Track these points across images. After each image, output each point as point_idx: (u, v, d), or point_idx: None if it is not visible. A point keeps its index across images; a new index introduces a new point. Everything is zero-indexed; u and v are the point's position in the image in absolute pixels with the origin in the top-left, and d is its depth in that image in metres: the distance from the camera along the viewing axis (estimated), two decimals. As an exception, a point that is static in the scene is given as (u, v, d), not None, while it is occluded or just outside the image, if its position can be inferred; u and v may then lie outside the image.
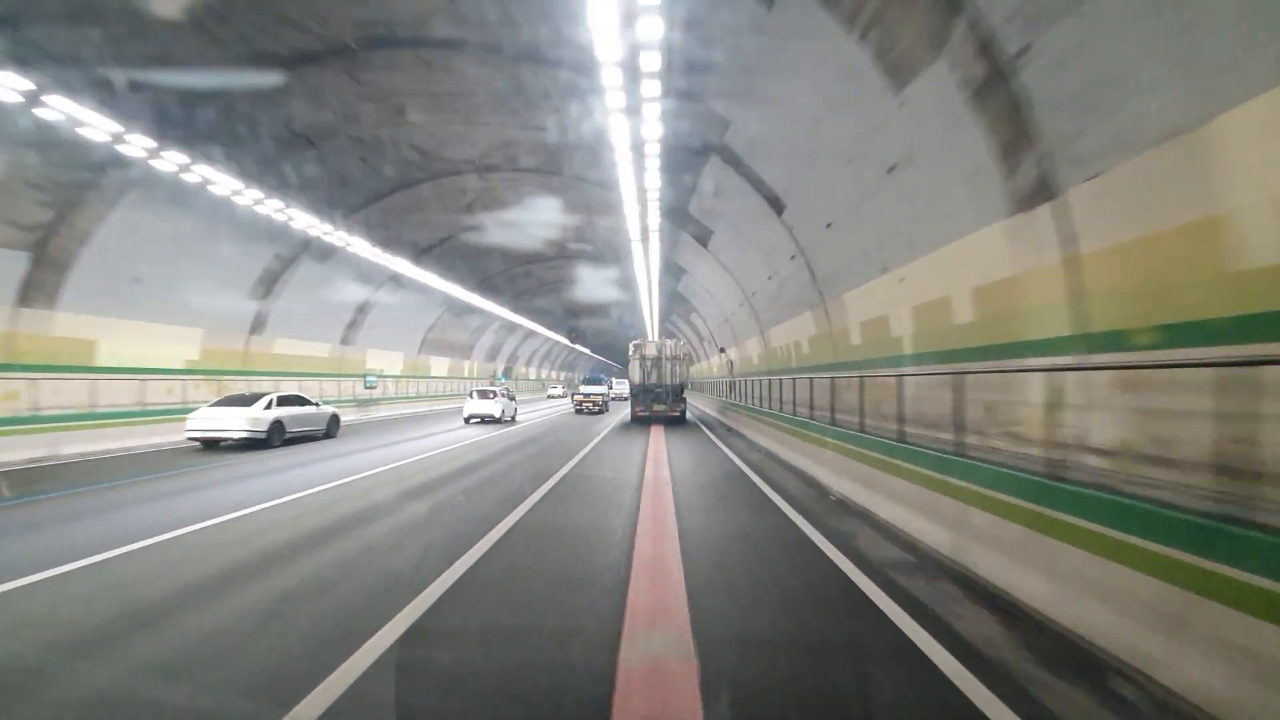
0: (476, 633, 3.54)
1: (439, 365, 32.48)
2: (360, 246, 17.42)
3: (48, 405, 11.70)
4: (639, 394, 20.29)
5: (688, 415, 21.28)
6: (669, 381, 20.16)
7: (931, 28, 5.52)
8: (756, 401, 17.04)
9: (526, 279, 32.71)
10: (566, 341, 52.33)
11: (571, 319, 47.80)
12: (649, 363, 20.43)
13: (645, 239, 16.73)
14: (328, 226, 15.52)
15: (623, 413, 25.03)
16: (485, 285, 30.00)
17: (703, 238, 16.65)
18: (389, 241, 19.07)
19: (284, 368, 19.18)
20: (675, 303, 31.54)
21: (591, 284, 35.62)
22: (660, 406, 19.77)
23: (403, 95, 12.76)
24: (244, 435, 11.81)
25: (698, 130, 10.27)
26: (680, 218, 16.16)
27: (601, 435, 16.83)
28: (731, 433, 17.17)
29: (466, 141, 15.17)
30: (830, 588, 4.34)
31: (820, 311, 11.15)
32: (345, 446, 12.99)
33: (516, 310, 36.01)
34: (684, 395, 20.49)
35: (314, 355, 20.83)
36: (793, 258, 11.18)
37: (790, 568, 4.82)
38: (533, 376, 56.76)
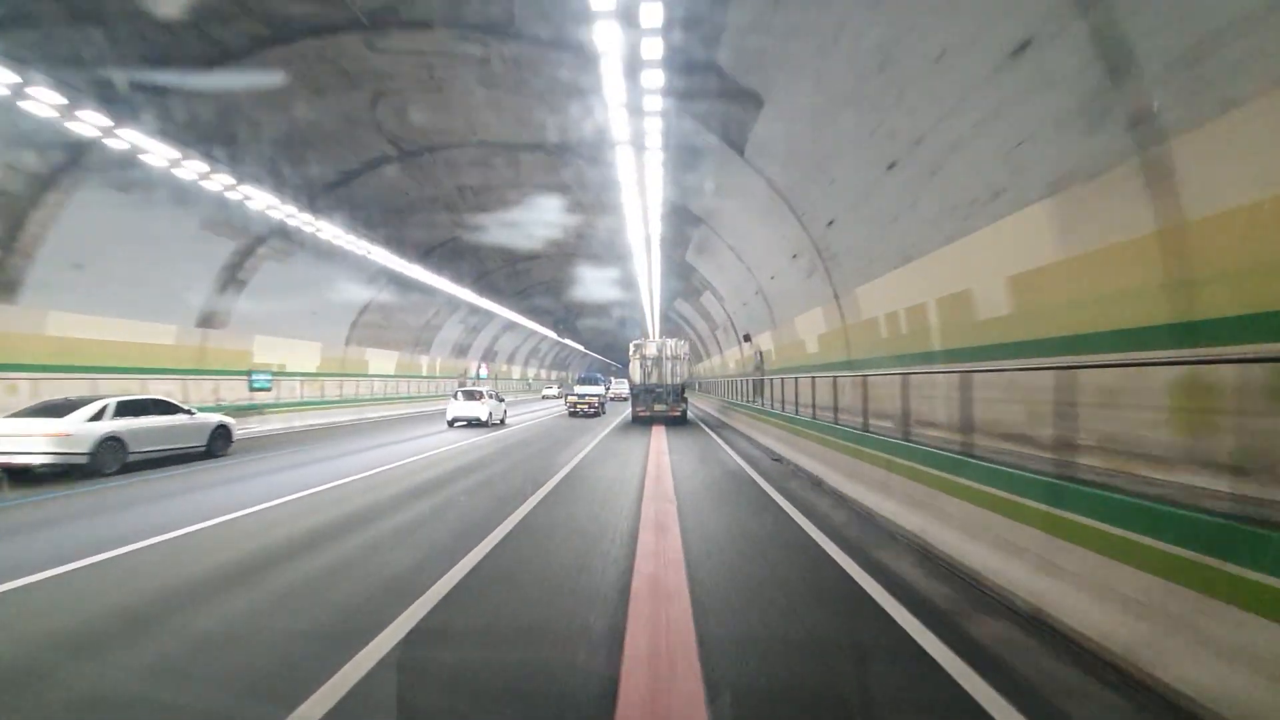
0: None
1: (381, 361, 25.51)
2: (163, 154, 10.46)
3: None
4: (640, 394, 19.70)
5: (689, 415, 21.08)
6: (670, 381, 19.66)
7: None
8: (792, 409, 10.21)
9: (497, 256, 25.77)
10: (554, 335, 45.40)
11: (560, 308, 40.85)
12: (650, 362, 19.82)
13: (639, 135, 9.80)
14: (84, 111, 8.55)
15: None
16: (448, 262, 23.09)
17: (739, 129, 9.67)
18: (249, 162, 12.16)
19: (79, 359, 12.25)
20: (682, 280, 24.54)
21: (584, 271, 28.78)
22: (661, 406, 19.23)
23: None
24: (51, 459, 8.41)
25: None
26: (702, 88, 9.20)
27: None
28: (792, 474, 10.24)
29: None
30: None
31: (1122, 172, 4.22)
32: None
33: (487, 295, 29.10)
34: (685, 395, 20.01)
35: (145, 342, 13.89)
36: (1022, 49, 4.13)
37: None
38: (516, 376, 49.84)
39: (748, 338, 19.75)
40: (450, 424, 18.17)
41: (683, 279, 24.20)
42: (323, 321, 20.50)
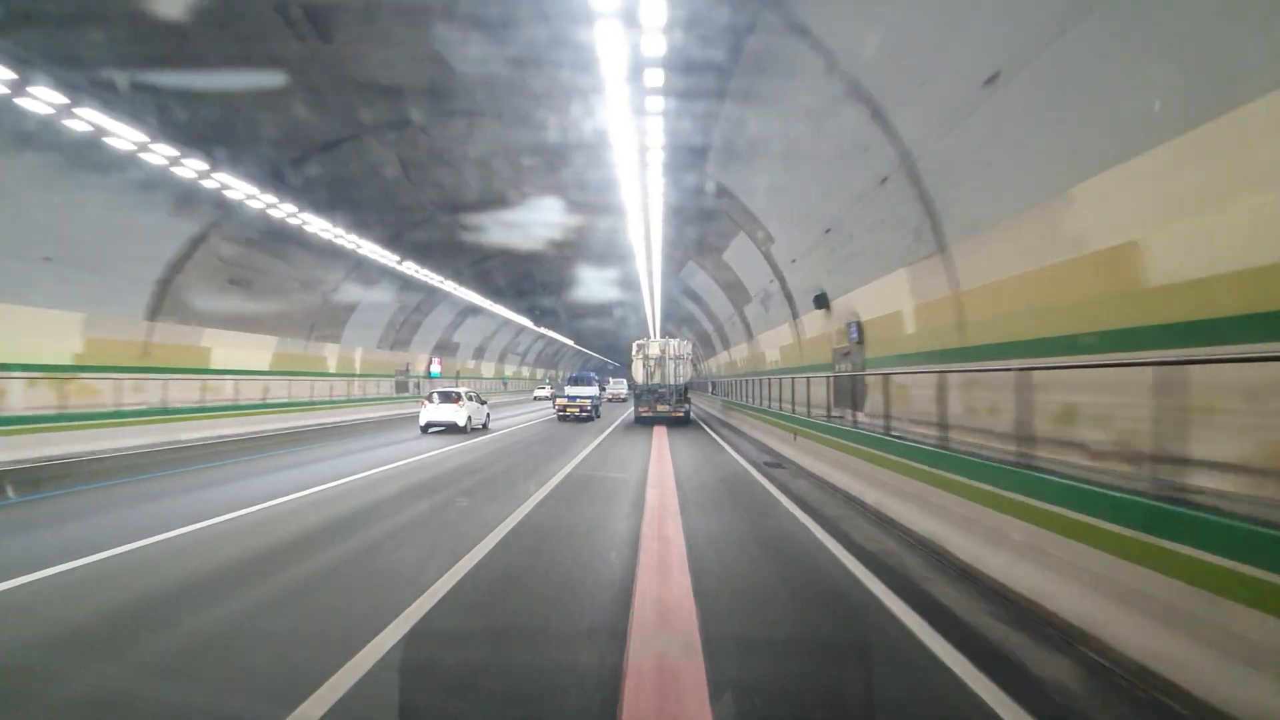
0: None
1: (238, 349, 16.83)
2: None
3: None
4: (642, 394, 19.55)
5: (691, 414, 20.13)
6: (673, 382, 19.37)
7: None
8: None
9: (437, 203, 17.07)
10: (530, 324, 36.75)
11: (534, 294, 32.11)
12: (652, 362, 19.63)
13: None
14: None
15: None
16: (340, 197, 14.48)
17: None
18: None
19: None
20: (695, 220, 15.84)
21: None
22: (664, 407, 18.86)
23: None
24: None
25: None
26: None
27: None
28: None
29: None
30: None
31: None
32: None
33: (429, 264, 20.48)
34: (688, 396, 19.65)
35: None
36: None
37: None
38: (489, 374, 41.22)
39: (823, 302, 11.01)
40: (424, 430, 16.36)
41: (697, 220, 15.48)
42: (80, 276, 11.81)
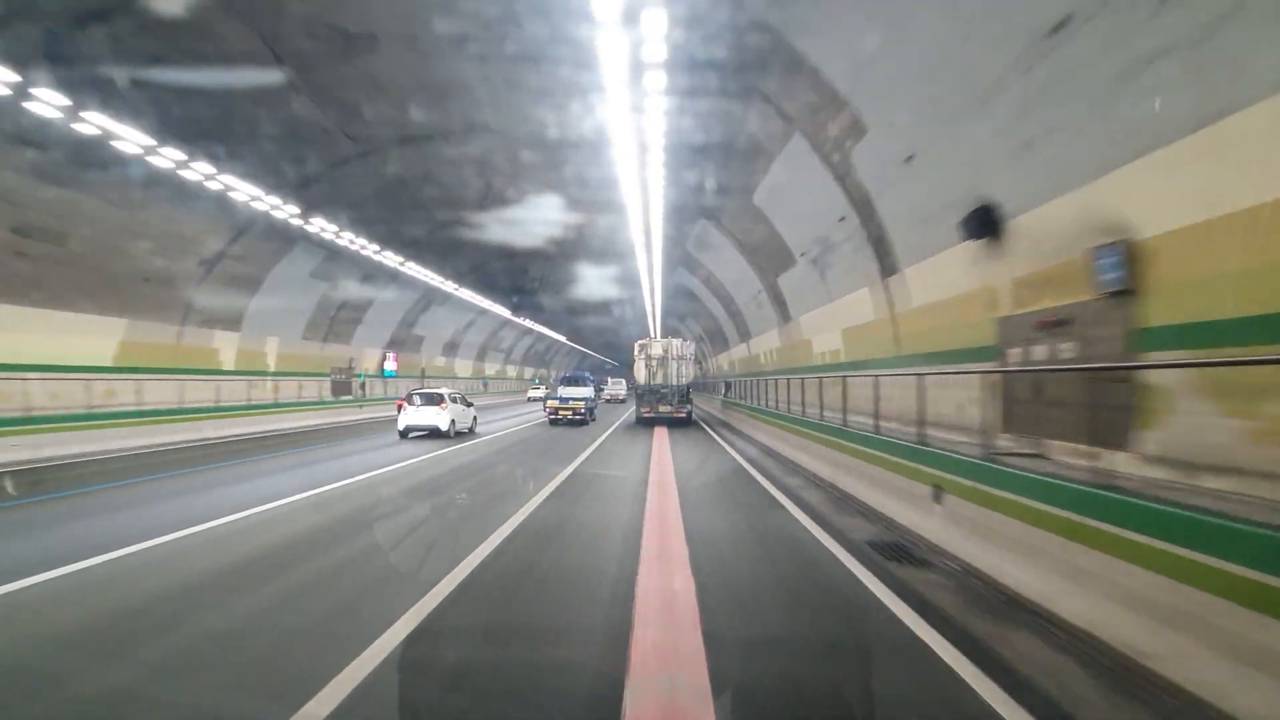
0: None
1: (60, 334, 11.51)
2: None
3: None
4: (644, 395, 19.31)
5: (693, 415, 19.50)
6: (675, 382, 19.07)
7: None
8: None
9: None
10: (509, 314, 31.45)
11: (513, 276, 26.74)
12: (655, 362, 19.24)
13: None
14: None
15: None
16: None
17: None
18: None
19: None
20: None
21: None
22: (666, 407, 18.75)
23: None
24: None
25: None
26: None
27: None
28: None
29: None
30: None
31: None
32: None
33: (359, 230, 15.26)
34: (690, 396, 19.36)
35: None
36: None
37: None
38: (464, 373, 35.92)
39: (985, 224, 5.65)
40: (403, 435, 14.77)
41: (720, 118, 10.14)
42: None
